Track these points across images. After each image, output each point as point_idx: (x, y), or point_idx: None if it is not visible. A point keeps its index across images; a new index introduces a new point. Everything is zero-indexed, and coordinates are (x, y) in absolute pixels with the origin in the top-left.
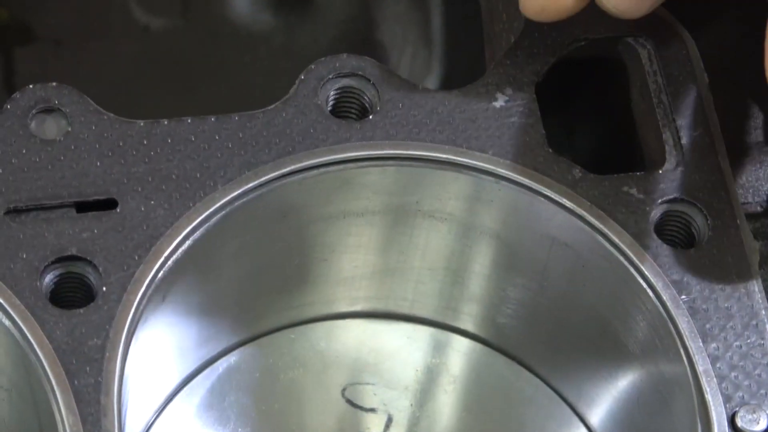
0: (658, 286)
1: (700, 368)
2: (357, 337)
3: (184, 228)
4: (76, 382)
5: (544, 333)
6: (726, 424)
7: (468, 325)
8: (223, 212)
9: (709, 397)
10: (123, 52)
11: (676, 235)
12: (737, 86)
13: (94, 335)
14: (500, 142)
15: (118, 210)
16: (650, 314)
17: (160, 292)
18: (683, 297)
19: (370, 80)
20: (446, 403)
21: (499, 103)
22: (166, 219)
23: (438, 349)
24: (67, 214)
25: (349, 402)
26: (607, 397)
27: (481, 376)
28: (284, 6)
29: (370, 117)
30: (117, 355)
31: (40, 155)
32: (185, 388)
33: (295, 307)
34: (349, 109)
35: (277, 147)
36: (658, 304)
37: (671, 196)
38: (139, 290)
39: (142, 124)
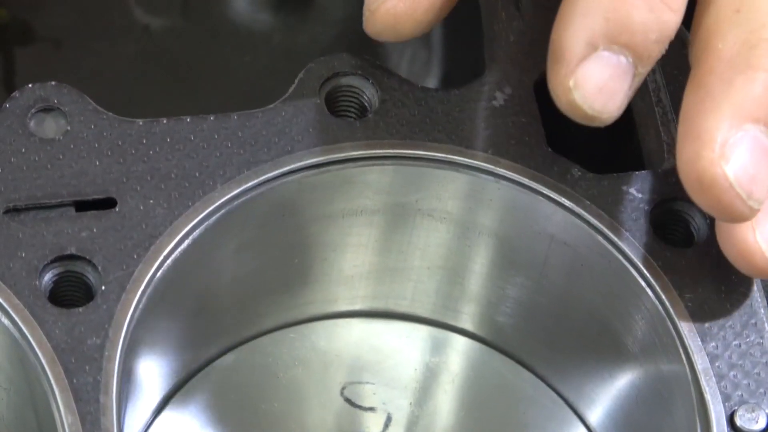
0: (657, 285)
1: (699, 367)
2: (356, 337)
3: (184, 227)
4: (75, 381)
5: (543, 332)
6: (725, 423)
7: (467, 325)
8: (223, 211)
9: (708, 396)
10: (123, 52)
11: (676, 234)
12: None
13: (93, 334)
14: (499, 141)
15: (117, 209)
16: (649, 313)
17: (160, 291)
18: (682, 296)
19: (369, 79)
20: (445, 402)
21: (498, 102)
22: (165, 218)
23: (437, 349)
24: (66, 213)
25: (349, 401)
26: (606, 396)
27: (480, 375)
28: (284, 6)
29: (370, 116)
30: (116, 354)
31: (39, 154)
32: (184, 387)
33: (295, 307)
34: (349, 108)
35: (277, 146)
36: (657, 303)
37: (670, 195)
38: (138, 289)
39: (141, 123)
